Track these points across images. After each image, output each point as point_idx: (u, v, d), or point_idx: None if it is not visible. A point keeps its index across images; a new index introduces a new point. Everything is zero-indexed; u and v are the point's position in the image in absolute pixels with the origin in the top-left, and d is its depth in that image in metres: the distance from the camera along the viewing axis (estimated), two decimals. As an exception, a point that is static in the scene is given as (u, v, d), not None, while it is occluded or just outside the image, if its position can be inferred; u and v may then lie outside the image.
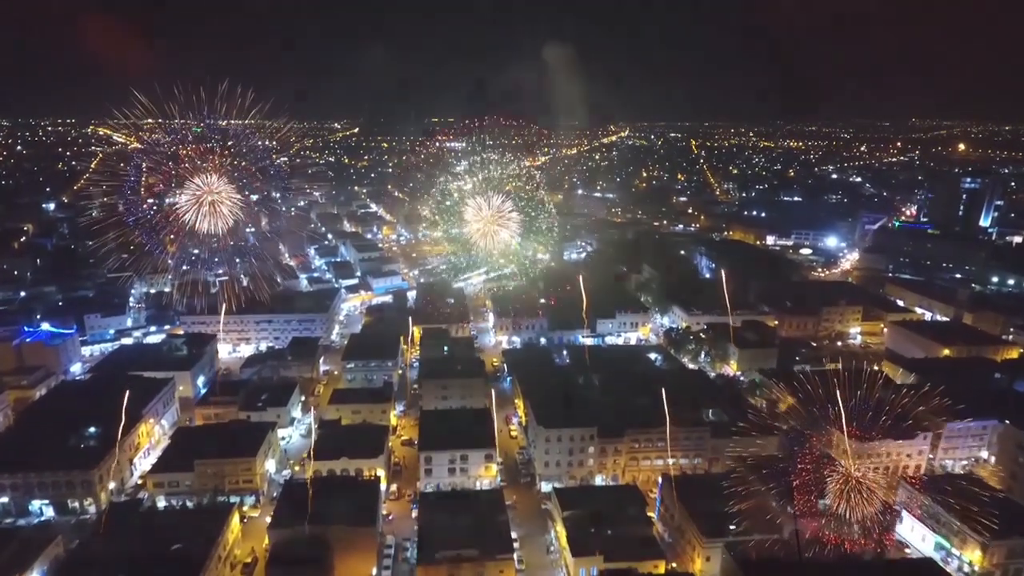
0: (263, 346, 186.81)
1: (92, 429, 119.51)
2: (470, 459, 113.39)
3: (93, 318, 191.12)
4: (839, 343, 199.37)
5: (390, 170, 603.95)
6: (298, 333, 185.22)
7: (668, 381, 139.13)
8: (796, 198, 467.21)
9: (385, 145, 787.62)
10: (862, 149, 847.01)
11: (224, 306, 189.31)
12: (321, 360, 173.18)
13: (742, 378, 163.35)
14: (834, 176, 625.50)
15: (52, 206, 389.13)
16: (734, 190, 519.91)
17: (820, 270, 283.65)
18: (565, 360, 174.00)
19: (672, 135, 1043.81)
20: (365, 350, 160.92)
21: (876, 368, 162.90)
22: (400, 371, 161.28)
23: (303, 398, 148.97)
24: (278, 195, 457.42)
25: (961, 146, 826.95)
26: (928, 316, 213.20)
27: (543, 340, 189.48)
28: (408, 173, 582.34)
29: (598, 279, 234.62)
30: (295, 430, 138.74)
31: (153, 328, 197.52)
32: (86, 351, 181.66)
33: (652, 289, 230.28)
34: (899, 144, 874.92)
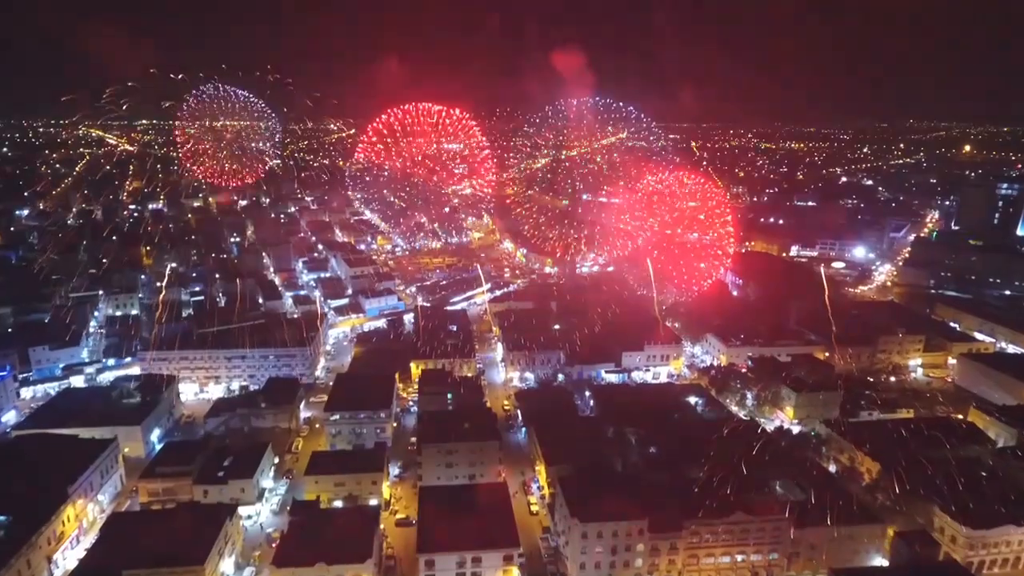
0: (235, 385, 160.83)
1: (1, 517, 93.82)
2: (485, 562, 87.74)
3: (39, 351, 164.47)
4: (892, 378, 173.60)
5: (386, 173, 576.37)
6: (277, 370, 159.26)
7: (720, 438, 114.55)
8: (810, 203, 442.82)
9: (382, 147, 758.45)
10: (865, 151, 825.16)
11: (192, 338, 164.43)
12: (303, 404, 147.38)
13: (800, 428, 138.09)
14: (843, 179, 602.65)
15: (26, 212, 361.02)
16: (744, 194, 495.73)
17: (858, 287, 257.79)
18: (589, 403, 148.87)
19: (671, 136, 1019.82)
20: (353, 397, 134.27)
21: (960, 416, 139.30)
22: (395, 424, 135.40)
23: (276, 460, 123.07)
24: (267, 200, 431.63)
25: (967, 148, 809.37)
26: (995, 344, 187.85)
27: (561, 376, 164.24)
28: (405, 176, 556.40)
29: (617, 299, 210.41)
30: (266, 504, 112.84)
31: (112, 362, 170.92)
32: (27, 392, 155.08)
33: (679, 312, 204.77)
34: (902, 146, 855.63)
